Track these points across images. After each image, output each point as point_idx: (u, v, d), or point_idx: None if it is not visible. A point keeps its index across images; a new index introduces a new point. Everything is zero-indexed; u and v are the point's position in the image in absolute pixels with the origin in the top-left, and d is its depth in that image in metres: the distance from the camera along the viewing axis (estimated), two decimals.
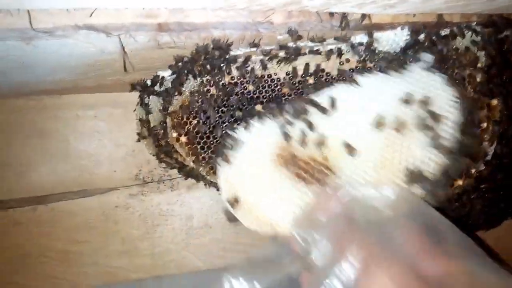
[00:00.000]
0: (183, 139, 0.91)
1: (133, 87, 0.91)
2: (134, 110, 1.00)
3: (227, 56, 0.79)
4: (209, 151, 0.91)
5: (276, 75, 0.86)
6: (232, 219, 0.83)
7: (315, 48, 0.80)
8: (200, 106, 0.88)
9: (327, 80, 0.85)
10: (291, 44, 0.79)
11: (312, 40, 0.77)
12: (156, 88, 0.94)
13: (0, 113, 1.18)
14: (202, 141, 0.91)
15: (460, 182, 0.87)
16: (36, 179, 1.22)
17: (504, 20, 0.85)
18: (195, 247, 1.33)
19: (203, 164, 0.91)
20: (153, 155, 1.04)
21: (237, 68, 0.84)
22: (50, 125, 1.22)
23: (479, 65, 0.82)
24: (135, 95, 1.03)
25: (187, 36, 0.70)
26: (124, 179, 1.28)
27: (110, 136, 1.26)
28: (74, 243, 1.25)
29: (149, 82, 0.97)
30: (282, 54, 0.80)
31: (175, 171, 1.23)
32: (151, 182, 1.30)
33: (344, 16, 0.73)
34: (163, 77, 0.88)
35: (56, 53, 0.75)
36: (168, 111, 0.91)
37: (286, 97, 0.88)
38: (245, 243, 1.35)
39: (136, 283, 1.29)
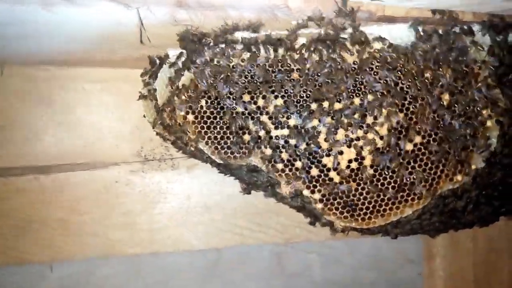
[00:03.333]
0: (191, 117, 0.92)
1: (151, 60, 0.92)
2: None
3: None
4: (215, 131, 0.93)
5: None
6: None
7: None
8: (209, 84, 0.90)
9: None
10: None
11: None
12: (166, 64, 0.96)
13: (10, 79, 1.18)
14: (209, 121, 0.92)
15: (459, 178, 0.90)
16: (40, 148, 1.23)
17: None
18: (193, 225, 1.35)
19: (208, 144, 0.92)
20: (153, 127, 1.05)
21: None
22: (58, 95, 1.23)
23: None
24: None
25: (204, 15, 0.71)
26: (126, 155, 1.30)
27: (116, 111, 1.27)
28: (75, 213, 1.26)
29: (157, 60, 0.99)
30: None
31: (176, 150, 1.25)
32: (152, 160, 1.32)
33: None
34: (181, 53, 0.89)
35: (73, 22, 0.76)
36: (177, 88, 0.92)
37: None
38: (242, 225, 1.37)
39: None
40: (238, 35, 0.88)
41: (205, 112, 0.93)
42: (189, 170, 1.34)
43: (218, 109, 0.92)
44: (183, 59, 0.94)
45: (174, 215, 1.34)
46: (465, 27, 0.85)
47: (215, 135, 0.93)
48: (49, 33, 0.80)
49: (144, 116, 1.12)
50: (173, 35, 0.80)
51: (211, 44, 0.88)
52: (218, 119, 0.93)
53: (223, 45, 0.88)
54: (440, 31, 0.85)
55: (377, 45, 0.86)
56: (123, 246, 1.30)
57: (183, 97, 0.92)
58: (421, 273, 1.55)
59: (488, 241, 1.32)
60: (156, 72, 1.02)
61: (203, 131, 0.93)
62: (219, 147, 0.93)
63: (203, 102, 0.92)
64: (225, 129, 0.93)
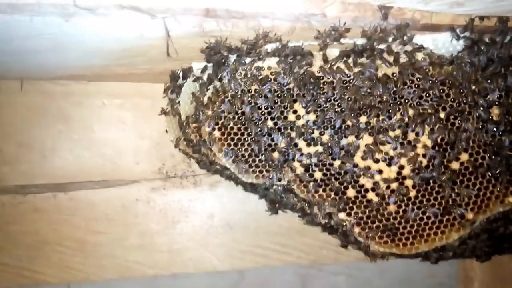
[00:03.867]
0: (217, 133, 0.86)
1: (173, 74, 0.88)
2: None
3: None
4: (242, 148, 0.87)
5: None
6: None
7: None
8: (236, 100, 0.84)
9: None
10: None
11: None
12: (191, 78, 0.91)
13: (28, 94, 1.15)
14: (236, 137, 0.87)
15: (511, 199, 0.82)
16: (58, 165, 1.19)
17: None
18: (215, 246, 1.29)
19: (236, 162, 0.86)
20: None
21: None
22: (76, 111, 1.19)
23: None
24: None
25: (234, 25, 0.65)
26: (146, 172, 1.25)
27: (136, 127, 1.23)
28: (93, 233, 1.21)
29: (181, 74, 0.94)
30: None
31: (198, 167, 1.20)
32: (174, 177, 1.26)
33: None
34: (205, 66, 0.84)
35: (93, 35, 0.71)
36: (203, 102, 0.86)
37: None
38: (265, 246, 1.30)
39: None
40: (269, 46, 0.82)
41: (232, 128, 0.87)
42: (211, 188, 1.28)
43: (246, 125, 0.86)
44: (208, 72, 0.89)
45: (195, 235, 1.28)
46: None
47: (243, 152, 0.87)
48: (67, 46, 0.76)
49: (166, 132, 1.08)
50: (200, 47, 0.74)
51: (241, 55, 0.82)
52: (245, 136, 0.87)
53: (253, 57, 0.82)
54: (487, 39, 0.78)
55: (419, 56, 0.79)
56: (141, 267, 1.24)
57: (209, 112, 0.86)
58: None
59: None
60: (179, 87, 0.98)
61: (230, 148, 0.87)
62: (246, 165, 0.87)
63: (230, 117, 0.86)
64: (253, 146, 0.86)
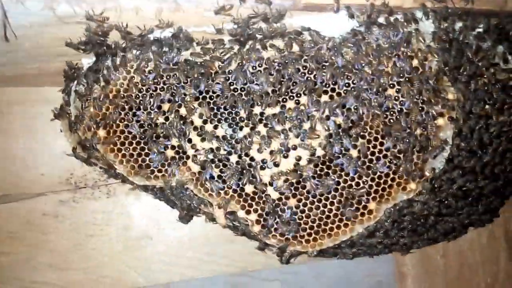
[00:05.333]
0: (101, 132, 0.79)
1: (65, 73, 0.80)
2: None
3: None
4: (130, 147, 0.80)
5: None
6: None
7: None
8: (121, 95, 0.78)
9: None
10: None
11: None
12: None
13: None
14: (123, 135, 0.80)
15: (413, 186, 0.78)
16: None
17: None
18: (135, 260, 1.19)
19: (123, 163, 0.79)
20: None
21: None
22: None
23: None
24: None
25: (90, 4, 0.59)
26: (53, 183, 1.14)
27: (38, 136, 1.13)
28: None
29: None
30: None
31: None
32: (84, 187, 1.17)
33: None
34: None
35: None
36: (86, 100, 0.79)
37: None
38: (190, 256, 1.22)
39: None
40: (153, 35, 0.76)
41: (117, 125, 0.79)
42: (127, 197, 1.19)
43: (133, 122, 0.80)
44: (93, 68, 0.82)
45: (112, 250, 1.18)
46: (408, 14, 0.76)
47: (131, 151, 0.80)
48: None
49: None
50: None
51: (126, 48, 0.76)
52: (133, 134, 0.80)
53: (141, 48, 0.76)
54: (382, 20, 0.75)
55: (307, 36, 0.75)
56: None
57: (92, 110, 0.79)
58: None
59: (459, 255, 1.20)
60: (70, 87, 0.90)
61: (116, 147, 0.79)
62: (135, 165, 0.80)
63: (115, 115, 0.79)
64: (142, 145, 0.79)
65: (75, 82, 0.86)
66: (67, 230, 1.15)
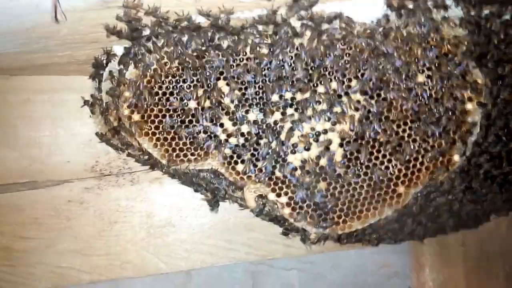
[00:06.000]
0: (136, 116, 0.81)
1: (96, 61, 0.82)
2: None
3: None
4: (164, 131, 0.81)
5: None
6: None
7: None
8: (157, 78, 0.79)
9: None
10: None
11: None
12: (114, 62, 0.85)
13: None
14: (157, 120, 0.81)
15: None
16: None
17: None
18: (157, 247, 1.21)
19: (158, 146, 0.81)
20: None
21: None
22: None
23: None
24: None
25: None
26: (78, 171, 1.16)
27: (64, 123, 1.15)
28: (20, 239, 1.12)
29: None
30: None
31: (136, 163, 1.13)
32: (109, 175, 1.18)
33: None
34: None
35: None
36: (120, 84, 0.81)
37: None
38: (210, 244, 1.24)
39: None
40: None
41: (152, 110, 0.81)
42: (151, 185, 1.21)
43: (168, 106, 0.81)
44: (130, 52, 0.84)
45: (135, 236, 1.20)
46: (438, 0, 0.77)
47: (165, 135, 0.82)
48: None
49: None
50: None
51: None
52: (167, 118, 0.82)
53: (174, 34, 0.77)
54: (411, 6, 0.77)
55: (336, 24, 0.77)
56: (77, 274, 1.15)
57: (127, 94, 0.81)
58: (410, 286, 1.44)
59: (479, 245, 1.21)
60: (101, 73, 0.92)
61: (150, 131, 0.81)
62: (169, 149, 0.82)
63: (149, 99, 0.81)
64: (176, 129, 0.81)
65: (107, 68, 0.88)
66: (92, 217, 1.17)
